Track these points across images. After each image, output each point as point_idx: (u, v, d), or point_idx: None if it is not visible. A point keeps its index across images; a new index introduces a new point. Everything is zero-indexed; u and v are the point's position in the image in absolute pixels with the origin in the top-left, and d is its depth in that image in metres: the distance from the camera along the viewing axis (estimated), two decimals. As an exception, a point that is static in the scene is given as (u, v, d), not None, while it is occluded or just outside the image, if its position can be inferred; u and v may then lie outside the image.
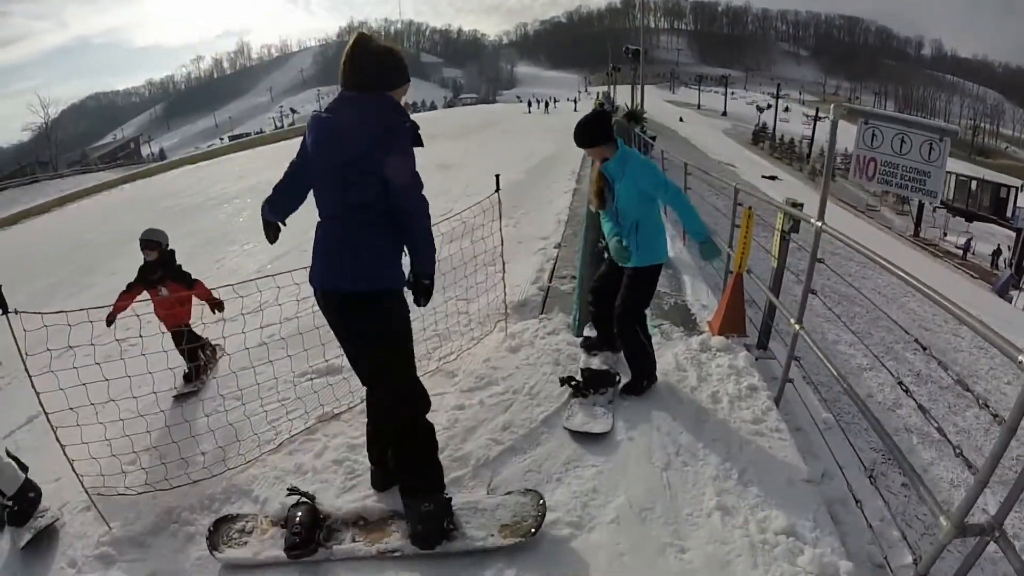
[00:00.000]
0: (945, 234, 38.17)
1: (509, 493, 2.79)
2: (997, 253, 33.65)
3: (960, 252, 34.06)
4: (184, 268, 4.42)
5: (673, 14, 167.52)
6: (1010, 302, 23.70)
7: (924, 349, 2.42)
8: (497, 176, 3.95)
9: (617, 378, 3.59)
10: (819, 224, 2.88)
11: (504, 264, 4.41)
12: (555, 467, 2.96)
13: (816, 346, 3.01)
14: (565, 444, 3.16)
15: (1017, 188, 35.30)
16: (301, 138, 2.49)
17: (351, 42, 2.29)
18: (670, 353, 3.97)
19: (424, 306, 2.55)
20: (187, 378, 4.23)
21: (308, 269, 2.51)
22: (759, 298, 4.51)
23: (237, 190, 19.73)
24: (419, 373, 3.63)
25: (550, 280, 5.73)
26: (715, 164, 40.00)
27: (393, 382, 2.54)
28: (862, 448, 3.86)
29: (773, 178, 47.89)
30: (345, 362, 4.24)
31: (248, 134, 78.71)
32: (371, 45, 2.31)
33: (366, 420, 2.84)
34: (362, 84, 2.29)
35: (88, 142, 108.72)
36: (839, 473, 3.08)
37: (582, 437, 3.17)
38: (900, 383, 2.42)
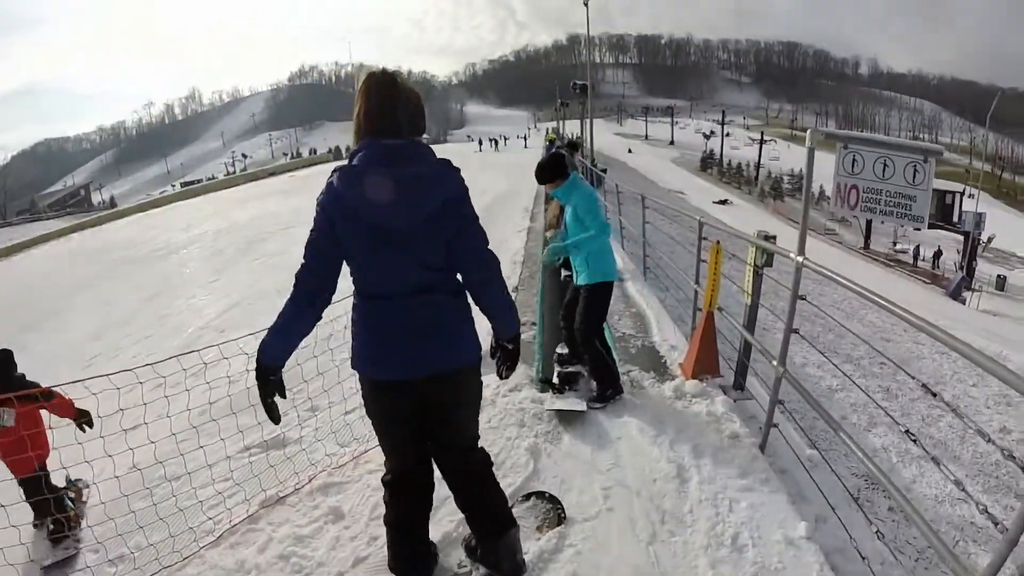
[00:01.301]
0: (895, 243, 39.42)
1: (512, 506, 2.73)
2: (938, 254, 35.08)
3: (911, 260, 35.18)
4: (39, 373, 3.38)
5: (618, 48, 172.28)
6: (963, 303, 24.39)
7: (935, 396, 2.19)
8: None
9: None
10: (800, 260, 2.67)
11: None
12: (528, 550, 2.61)
13: (803, 389, 2.78)
14: (538, 518, 2.84)
15: (961, 193, 36.59)
16: (318, 210, 1.95)
17: (385, 81, 1.94)
18: (641, 403, 3.70)
19: (507, 377, 2.31)
20: (56, 538, 3.10)
21: (361, 358, 2.10)
22: (729, 332, 4.31)
23: (185, 239, 19.43)
24: (373, 444, 3.28)
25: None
26: (665, 192, 40.72)
27: (476, 436, 2.38)
28: (845, 475, 3.64)
29: (724, 202, 48.96)
30: (290, 433, 3.92)
31: (200, 180, 77.80)
32: (407, 85, 2.00)
33: (401, 510, 2.33)
34: (401, 131, 1.95)
35: (38, 189, 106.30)
36: (832, 515, 2.87)
37: (555, 513, 2.86)
38: (909, 433, 2.20)
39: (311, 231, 1.96)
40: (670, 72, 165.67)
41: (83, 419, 3.19)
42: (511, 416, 3.65)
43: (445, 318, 2.05)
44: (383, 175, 1.87)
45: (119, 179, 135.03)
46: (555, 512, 2.86)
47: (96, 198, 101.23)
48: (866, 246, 40.09)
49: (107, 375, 2.83)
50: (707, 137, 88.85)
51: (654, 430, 3.37)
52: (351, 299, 2.12)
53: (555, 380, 4.06)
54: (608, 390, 3.79)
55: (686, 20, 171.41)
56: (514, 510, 2.72)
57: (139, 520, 3.00)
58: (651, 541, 2.62)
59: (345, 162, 1.97)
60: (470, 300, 2.15)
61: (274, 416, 2.08)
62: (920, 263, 34.68)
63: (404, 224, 1.90)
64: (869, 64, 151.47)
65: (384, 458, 2.32)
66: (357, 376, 2.15)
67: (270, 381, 2.04)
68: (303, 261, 1.98)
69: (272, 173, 50.14)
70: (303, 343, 2.11)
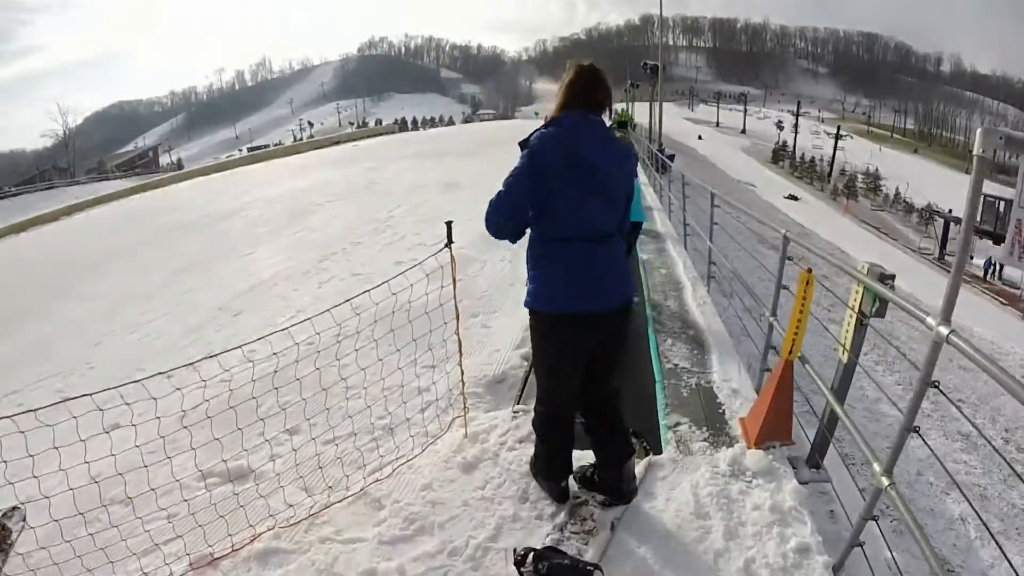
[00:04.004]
0: (972, 257, 36.83)
1: None
2: (990, 265, 33.18)
3: (981, 274, 33.37)
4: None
5: (692, 31, 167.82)
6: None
7: None
8: (449, 224, 2.81)
9: None
10: (944, 332, 1.71)
11: (460, 343, 3.20)
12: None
13: (915, 523, 1.86)
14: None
15: (1052, 205, 33.59)
16: (527, 159, 2.22)
17: (594, 70, 2.37)
18: (687, 481, 2.77)
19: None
20: None
21: (555, 297, 2.29)
22: (806, 384, 3.38)
23: (235, 207, 19.46)
24: (337, 497, 2.90)
25: (538, 344, 4.57)
26: (735, 184, 38.87)
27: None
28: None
29: (794, 198, 46.63)
30: (264, 466, 3.24)
31: (267, 146, 79.72)
32: (605, 77, 2.40)
33: (562, 438, 2.60)
34: (600, 110, 2.36)
35: (111, 149, 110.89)
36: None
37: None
38: None
39: (514, 170, 2.25)
40: (744, 58, 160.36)
41: None
42: (512, 483, 2.78)
43: (622, 260, 2.38)
44: (602, 142, 2.28)
45: (188, 142, 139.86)
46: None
47: (165, 160, 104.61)
48: (941, 256, 37.71)
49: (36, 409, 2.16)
50: (780, 128, 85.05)
51: (696, 529, 2.47)
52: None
53: None
54: None
55: (763, 5, 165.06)
56: None
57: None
58: None
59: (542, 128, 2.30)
60: None
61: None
62: (992, 279, 32.12)
63: (613, 180, 2.29)
64: (952, 62, 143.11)
65: (544, 399, 2.53)
66: (533, 316, 2.38)
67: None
68: (496, 198, 2.26)
69: (336, 142, 50.64)
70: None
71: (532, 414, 2.67)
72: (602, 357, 2.45)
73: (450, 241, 2.71)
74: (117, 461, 2.45)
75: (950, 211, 43.58)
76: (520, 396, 3.76)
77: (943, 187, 64.87)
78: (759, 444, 3.03)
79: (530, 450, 3.01)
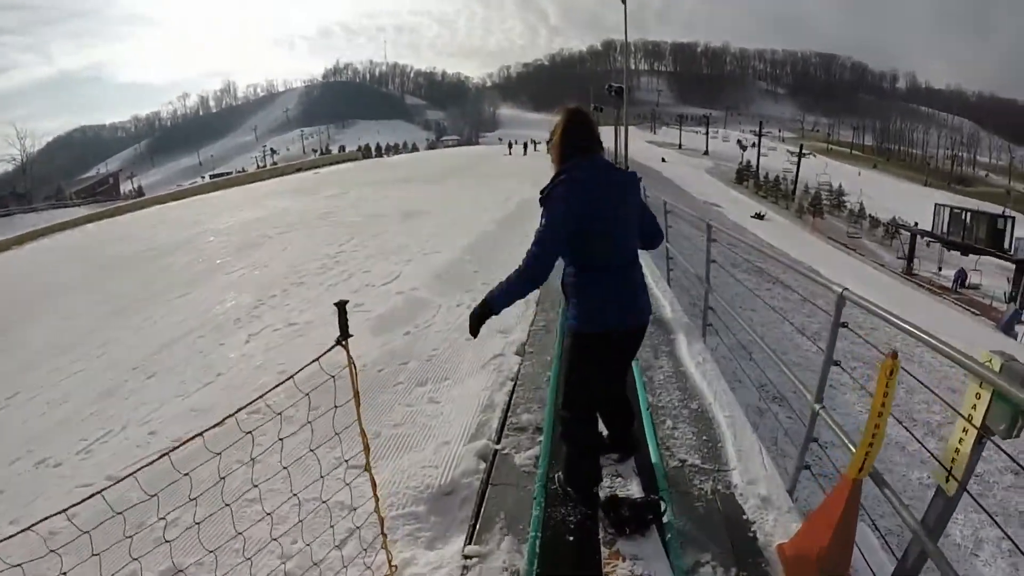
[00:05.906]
0: (940, 269, 37.02)
1: None
2: (961, 276, 32.90)
3: (950, 285, 32.99)
4: None
5: (653, 56, 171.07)
6: (1016, 339, 21.90)
7: None
8: (341, 306, 1.84)
9: None
10: None
11: (374, 483, 2.19)
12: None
13: None
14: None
15: (1014, 218, 33.87)
16: (561, 203, 2.40)
17: (581, 113, 2.60)
18: None
19: None
20: None
21: (601, 316, 2.47)
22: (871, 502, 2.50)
23: (184, 238, 18.50)
24: None
25: (499, 435, 3.42)
26: (701, 205, 38.61)
27: None
28: None
29: (760, 216, 46.60)
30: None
31: (230, 173, 78.56)
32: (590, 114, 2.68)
33: (594, 435, 2.84)
34: (599, 149, 2.58)
35: (73, 175, 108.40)
36: None
37: None
38: None
39: (547, 223, 2.41)
40: (705, 81, 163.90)
41: None
42: None
43: (643, 279, 2.68)
44: (612, 178, 2.52)
45: (151, 169, 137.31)
46: None
47: (127, 187, 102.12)
48: (908, 271, 37.73)
49: None
50: (744, 148, 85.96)
51: None
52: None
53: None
54: None
55: (722, 28, 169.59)
56: None
57: None
58: None
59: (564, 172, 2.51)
60: None
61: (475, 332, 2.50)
62: (961, 290, 32.06)
63: (628, 212, 2.56)
64: (907, 78, 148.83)
65: (573, 405, 2.67)
66: (578, 337, 2.56)
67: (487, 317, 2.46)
68: (536, 249, 2.39)
69: (298, 169, 49.82)
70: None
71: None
72: (624, 362, 2.84)
73: (345, 334, 1.73)
74: None
75: (915, 224, 43.84)
76: (474, 528, 2.64)
77: (903, 200, 65.95)
78: (813, 597, 2.12)
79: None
